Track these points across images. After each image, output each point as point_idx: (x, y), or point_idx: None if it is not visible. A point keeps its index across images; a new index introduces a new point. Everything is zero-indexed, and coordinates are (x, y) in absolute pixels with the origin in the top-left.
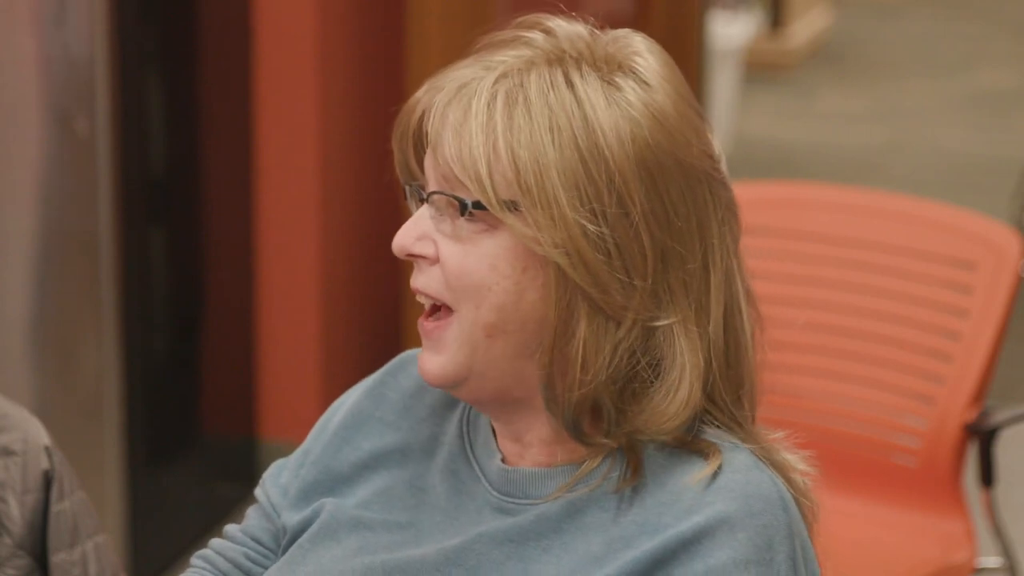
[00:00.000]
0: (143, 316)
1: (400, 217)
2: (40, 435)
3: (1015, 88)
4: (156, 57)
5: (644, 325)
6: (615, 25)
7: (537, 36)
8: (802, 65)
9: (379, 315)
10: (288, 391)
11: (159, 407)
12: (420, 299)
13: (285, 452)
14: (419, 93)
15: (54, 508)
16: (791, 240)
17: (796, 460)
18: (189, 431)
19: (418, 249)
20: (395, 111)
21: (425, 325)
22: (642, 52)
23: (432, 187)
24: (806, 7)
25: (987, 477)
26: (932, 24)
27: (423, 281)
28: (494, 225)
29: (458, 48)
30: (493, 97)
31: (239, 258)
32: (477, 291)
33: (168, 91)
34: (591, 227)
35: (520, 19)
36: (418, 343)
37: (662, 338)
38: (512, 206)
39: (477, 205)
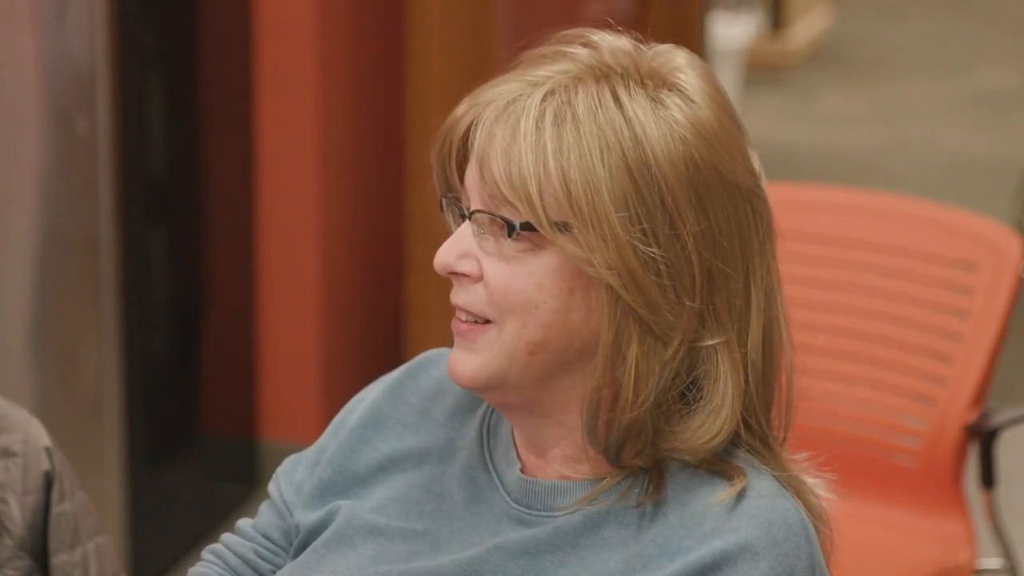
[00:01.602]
0: (143, 316)
1: (402, 218)
2: (41, 436)
3: (1015, 88)
4: (156, 57)
5: (690, 346)
6: (615, 26)
7: (581, 51)
8: (803, 66)
9: (380, 315)
10: (288, 391)
11: (159, 407)
12: (461, 315)
13: (285, 452)
14: (461, 109)
15: (55, 509)
16: (792, 241)
17: (818, 484)
18: (189, 431)
19: (461, 267)
20: (435, 125)
21: (460, 326)
22: (684, 67)
23: (476, 205)
24: (806, 8)
25: (988, 478)
26: (932, 25)
27: (465, 299)
28: (540, 245)
29: (458, 48)
30: (541, 115)
31: (240, 258)
32: (524, 309)
33: (168, 91)
34: (642, 247)
35: (563, 33)
36: (420, 346)
37: (705, 359)
38: (563, 227)
39: (526, 226)
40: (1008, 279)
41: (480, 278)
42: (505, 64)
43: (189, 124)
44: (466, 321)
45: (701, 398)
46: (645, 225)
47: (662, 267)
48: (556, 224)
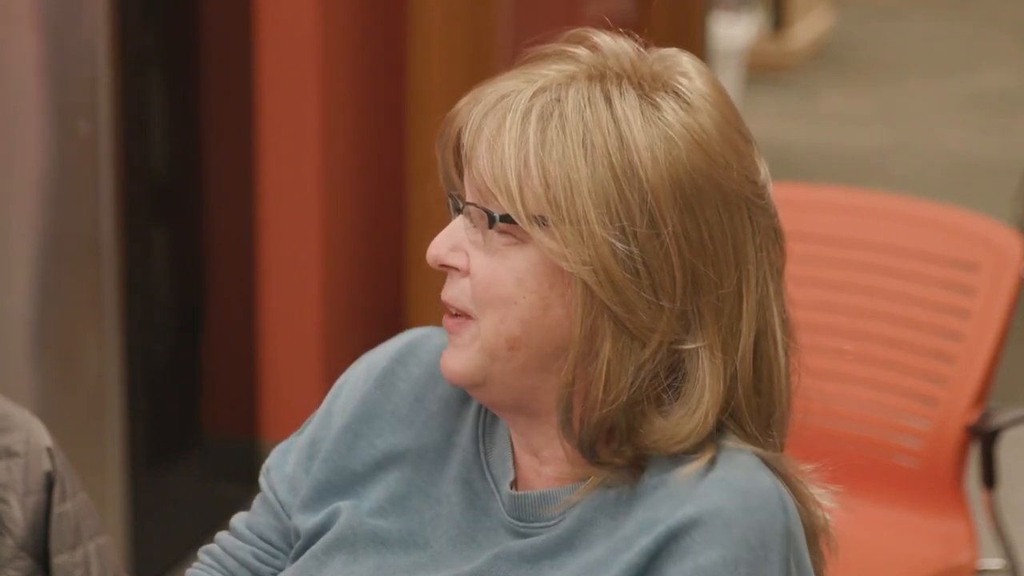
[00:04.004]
0: (145, 317)
1: (403, 219)
2: (42, 436)
3: (1016, 88)
4: (158, 57)
5: (670, 347)
6: (616, 27)
7: (582, 51)
8: (804, 66)
9: (381, 316)
10: (290, 392)
11: (161, 408)
12: (450, 310)
13: None
14: (460, 104)
15: (56, 510)
16: (792, 241)
17: (822, 495)
18: (191, 432)
19: (451, 260)
20: (436, 125)
21: (447, 322)
22: (688, 72)
23: (468, 198)
24: (807, 8)
25: (989, 478)
26: (933, 25)
27: (451, 293)
28: (523, 239)
29: (458, 48)
30: (528, 111)
31: (241, 258)
32: (503, 303)
33: (170, 91)
34: (620, 245)
35: (568, 33)
36: None
37: (687, 361)
38: (541, 221)
39: (506, 218)
40: (1009, 279)
41: (467, 272)
42: (505, 64)
43: (190, 125)
44: (452, 316)
45: (678, 400)
46: (624, 223)
47: (640, 267)
48: (534, 218)
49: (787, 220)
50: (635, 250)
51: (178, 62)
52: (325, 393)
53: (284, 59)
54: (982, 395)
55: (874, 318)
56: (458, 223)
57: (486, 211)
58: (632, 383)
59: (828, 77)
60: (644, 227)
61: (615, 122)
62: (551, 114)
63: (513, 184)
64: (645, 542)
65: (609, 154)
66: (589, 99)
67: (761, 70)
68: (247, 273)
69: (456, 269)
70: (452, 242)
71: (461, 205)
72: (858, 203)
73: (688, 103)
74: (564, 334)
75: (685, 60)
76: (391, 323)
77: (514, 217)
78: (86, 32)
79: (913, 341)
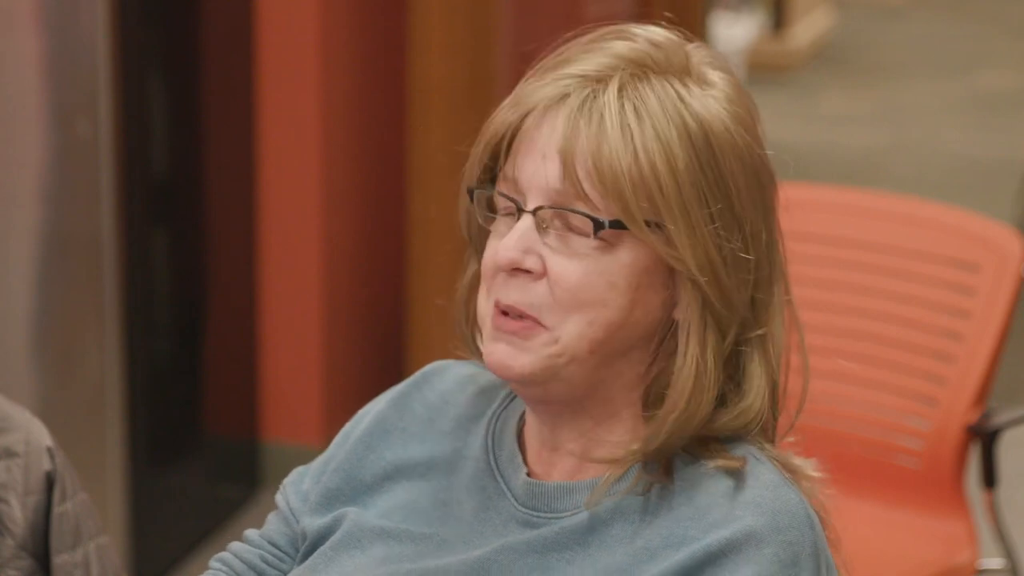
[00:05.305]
0: (145, 317)
1: (403, 218)
2: (42, 436)
3: (1017, 89)
4: (159, 58)
5: (737, 336)
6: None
7: (622, 45)
8: (804, 66)
9: (381, 316)
10: (290, 392)
11: (161, 408)
12: (511, 313)
13: (287, 453)
14: (525, 101)
15: (56, 510)
16: (793, 241)
17: (806, 465)
18: (191, 432)
19: (527, 263)
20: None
21: (511, 324)
22: (710, 62)
23: (539, 201)
24: (808, 8)
25: (989, 478)
26: (934, 25)
27: (522, 297)
28: (614, 243)
29: (459, 47)
30: (622, 111)
31: (241, 259)
32: (592, 307)
33: (171, 92)
34: (724, 243)
35: (603, 30)
36: (421, 347)
37: (746, 352)
38: (655, 225)
39: (615, 224)
40: (1009, 279)
41: (542, 275)
42: (505, 63)
43: (191, 125)
44: (517, 318)
45: (738, 389)
46: (719, 220)
47: (730, 259)
48: (648, 222)
49: (787, 220)
50: (729, 244)
51: (178, 62)
52: (325, 393)
53: (284, 59)
54: (982, 395)
55: (875, 318)
56: (525, 225)
57: (591, 218)
58: (716, 376)
59: (828, 77)
60: (732, 220)
61: (698, 122)
62: (642, 115)
63: (627, 189)
64: (679, 557)
65: (697, 153)
66: (665, 94)
67: (761, 70)
68: (247, 273)
69: (529, 272)
70: (524, 244)
71: (523, 207)
72: (858, 203)
73: (730, 92)
74: (640, 333)
75: (703, 51)
76: (391, 323)
77: (626, 223)
78: (86, 32)
79: (913, 341)
